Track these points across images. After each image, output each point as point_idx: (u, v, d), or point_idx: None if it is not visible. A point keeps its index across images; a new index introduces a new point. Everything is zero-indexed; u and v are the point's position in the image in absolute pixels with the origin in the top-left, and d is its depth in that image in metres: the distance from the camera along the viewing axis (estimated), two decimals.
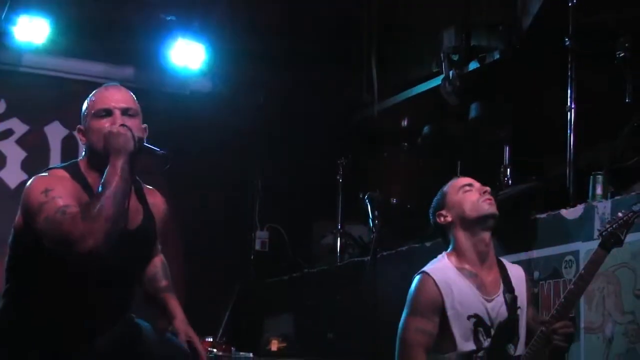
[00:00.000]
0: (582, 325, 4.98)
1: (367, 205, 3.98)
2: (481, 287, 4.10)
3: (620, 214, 3.98)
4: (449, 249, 4.21)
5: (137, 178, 3.78)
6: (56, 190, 3.52)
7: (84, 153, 3.75)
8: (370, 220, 3.93)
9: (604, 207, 5.02)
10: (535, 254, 5.36)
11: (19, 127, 7.41)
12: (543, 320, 4.03)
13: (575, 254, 5.13)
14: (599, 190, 5.22)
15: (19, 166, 7.34)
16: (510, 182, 5.86)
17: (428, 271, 4.11)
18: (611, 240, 3.93)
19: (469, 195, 4.18)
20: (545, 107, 5.97)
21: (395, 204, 6.69)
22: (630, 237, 4.11)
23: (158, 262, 4.01)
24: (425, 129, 6.93)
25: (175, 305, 3.92)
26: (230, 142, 7.57)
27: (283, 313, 7.27)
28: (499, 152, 6.06)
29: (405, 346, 4.02)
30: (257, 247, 7.78)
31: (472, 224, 4.15)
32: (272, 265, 7.70)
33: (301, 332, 6.99)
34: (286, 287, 7.43)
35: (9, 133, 7.38)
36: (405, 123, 7.23)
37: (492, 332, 4.05)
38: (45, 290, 3.62)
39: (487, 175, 5.89)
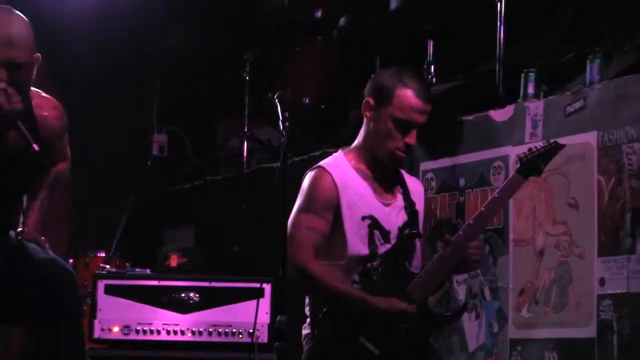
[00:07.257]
0: (510, 237, 4.98)
1: (276, 105, 3.89)
2: (377, 190, 4.02)
3: (543, 143, 4.01)
4: (351, 146, 4.08)
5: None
6: None
7: None
8: (279, 122, 3.87)
9: (536, 108, 4.99)
10: (461, 159, 5.38)
11: None
12: (447, 240, 3.94)
13: (505, 159, 5.12)
14: (530, 89, 5.15)
15: None
16: (434, 80, 5.77)
17: (325, 166, 4.00)
18: (530, 168, 3.91)
19: (399, 132, 3.94)
20: None
21: (308, 104, 6.69)
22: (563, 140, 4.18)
23: (54, 172, 4.12)
24: (342, 21, 6.80)
25: (33, 208, 4.05)
26: (127, 37, 7.34)
27: (183, 225, 7.24)
28: (422, 48, 5.94)
29: (295, 244, 3.88)
30: (155, 151, 7.66)
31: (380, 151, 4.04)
32: (172, 172, 7.61)
33: (203, 246, 6.94)
34: (187, 197, 7.37)
35: None
36: (319, 14, 7.11)
37: (391, 237, 3.98)
38: None
39: None
